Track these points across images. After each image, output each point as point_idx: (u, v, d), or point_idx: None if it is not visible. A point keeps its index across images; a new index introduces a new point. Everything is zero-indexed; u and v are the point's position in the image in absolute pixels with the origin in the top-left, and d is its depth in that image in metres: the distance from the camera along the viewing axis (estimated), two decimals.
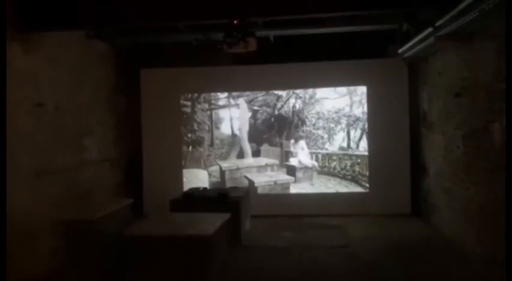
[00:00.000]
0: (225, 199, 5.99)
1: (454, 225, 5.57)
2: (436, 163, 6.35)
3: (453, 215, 5.63)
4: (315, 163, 7.63)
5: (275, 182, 7.56)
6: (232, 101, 7.83)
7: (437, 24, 4.48)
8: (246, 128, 7.78)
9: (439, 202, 6.25)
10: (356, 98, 7.55)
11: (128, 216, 5.64)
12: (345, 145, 7.65)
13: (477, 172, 4.72)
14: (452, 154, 5.58)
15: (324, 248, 5.65)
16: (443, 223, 6.07)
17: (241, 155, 7.77)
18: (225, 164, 7.70)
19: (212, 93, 7.90)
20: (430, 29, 4.81)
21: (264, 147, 7.71)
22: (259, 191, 7.55)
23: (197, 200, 6.04)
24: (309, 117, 7.65)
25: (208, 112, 7.83)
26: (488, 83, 4.36)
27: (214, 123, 7.77)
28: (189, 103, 7.75)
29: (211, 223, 4.95)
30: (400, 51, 6.21)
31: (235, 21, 4.34)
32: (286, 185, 7.59)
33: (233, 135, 7.82)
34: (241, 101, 7.81)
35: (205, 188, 6.81)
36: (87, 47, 6.43)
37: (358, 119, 7.55)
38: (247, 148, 7.76)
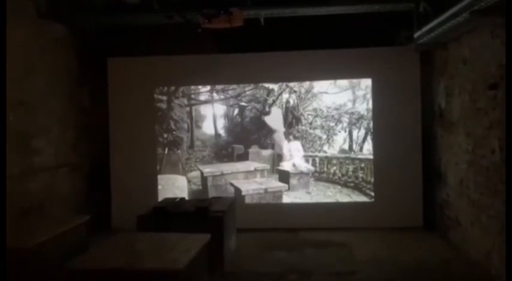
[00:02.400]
0: (204, 213, 5.05)
1: (484, 246, 4.66)
2: (457, 170, 5.45)
3: (483, 234, 4.71)
4: (312, 168, 7.01)
5: (265, 190, 6.94)
6: (215, 96, 7.15)
7: None
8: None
9: (461, 216, 5.35)
10: (360, 93, 6.94)
11: (81, 238, 4.56)
12: (346, 146, 7.09)
13: None
14: (484, 159, 4.64)
15: (327, 275, 4.74)
16: (467, 242, 5.17)
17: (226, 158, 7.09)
18: (207, 169, 7.02)
19: (192, 87, 7.24)
20: (465, 2, 3.85)
21: (253, 149, 7.09)
22: (247, 200, 6.91)
23: (171, 215, 5.07)
24: (305, 114, 7.05)
25: (188, 108, 7.16)
26: None
27: (194, 122, 7.14)
28: (164, 98, 7.10)
29: (185, 248, 3.90)
30: (416, 35, 5.36)
31: None
32: (279, 194, 6.97)
33: (217, 135, 7.14)
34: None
35: (182, 199, 5.86)
36: (40, 28, 5.53)
37: (361, 117, 6.94)
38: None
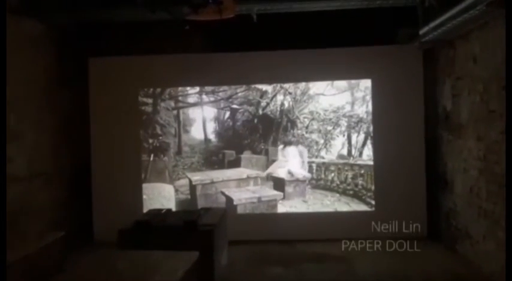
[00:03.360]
0: (193, 228, 4.65)
1: (499, 260, 4.25)
2: (466, 177, 5.09)
3: (497, 247, 4.34)
4: (308, 175, 6.68)
5: (259, 199, 6.63)
6: (205, 98, 6.81)
7: None
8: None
9: (471, 228, 5.00)
10: (359, 94, 6.64)
11: (55, 258, 4.09)
12: (345, 152, 6.77)
13: None
14: (497, 166, 4.29)
15: None
16: (479, 255, 4.82)
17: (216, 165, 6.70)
18: (196, 177, 6.67)
19: (179, 88, 6.90)
20: None
21: (245, 155, 6.78)
22: (240, 210, 6.58)
23: (155, 230, 4.65)
24: (301, 118, 6.75)
25: (175, 112, 6.82)
26: None
27: (182, 126, 6.82)
28: (150, 100, 6.76)
29: (171, 269, 3.49)
30: (421, 32, 5.03)
31: None
32: (273, 203, 6.66)
33: (206, 140, 6.78)
34: None
35: (168, 211, 5.42)
36: (14, 25, 5.13)
37: (361, 120, 6.64)
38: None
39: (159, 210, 5.43)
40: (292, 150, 6.66)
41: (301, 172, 6.63)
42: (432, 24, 4.65)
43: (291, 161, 6.67)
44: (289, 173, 6.61)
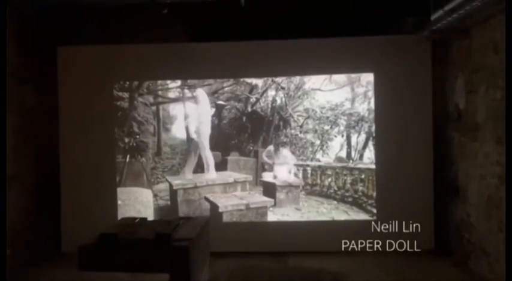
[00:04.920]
0: (165, 242, 4.05)
1: None
2: (483, 185, 4.60)
3: None
4: (299, 180, 6.42)
5: (247, 206, 6.29)
6: (187, 93, 6.50)
7: None
8: (207, 130, 6.44)
9: (488, 243, 4.49)
10: (360, 90, 6.35)
11: None
12: (344, 154, 6.53)
13: None
14: None
15: None
16: (498, 274, 4.28)
17: (200, 168, 6.47)
18: (177, 181, 6.35)
19: (159, 82, 6.58)
20: None
21: (232, 157, 6.52)
22: (225, 218, 6.24)
23: (122, 245, 4.06)
24: (295, 116, 6.49)
25: (154, 108, 6.50)
26: None
27: (162, 124, 6.54)
28: (126, 95, 6.42)
29: None
30: (433, 17, 4.56)
31: None
32: (263, 210, 6.34)
33: (189, 140, 6.47)
34: (201, 92, 6.43)
35: (143, 220, 4.88)
36: None
37: (362, 119, 6.36)
38: (210, 158, 6.38)
39: (133, 218, 4.93)
40: (284, 152, 6.40)
41: (294, 177, 6.32)
42: (447, 7, 4.10)
43: (282, 165, 6.39)
44: (280, 177, 6.31)
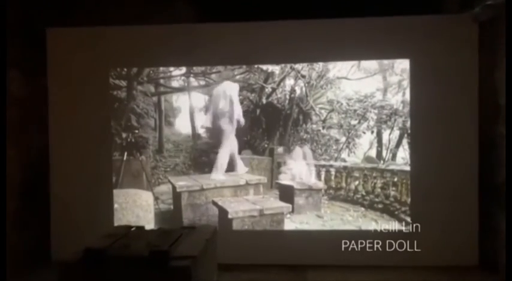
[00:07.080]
0: (162, 262, 3.49)
1: None
2: None
3: None
4: (320, 183, 6.07)
5: (261, 212, 5.88)
6: (193, 81, 6.11)
7: None
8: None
9: None
10: (393, 79, 5.85)
11: None
12: (373, 153, 6.09)
13: None
14: None
15: None
16: None
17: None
18: (181, 183, 5.97)
19: (161, 69, 6.17)
20: None
21: (245, 155, 6.15)
22: (236, 226, 5.84)
23: (109, 263, 3.56)
24: (317, 109, 6.03)
25: (155, 98, 6.14)
26: None
27: (164, 117, 6.18)
28: (124, 83, 6.03)
29: None
30: None
31: None
32: (279, 218, 5.91)
33: (194, 135, 6.14)
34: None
35: (139, 229, 4.39)
36: None
37: (395, 112, 5.87)
38: (224, 158, 6.07)
39: (129, 227, 4.38)
40: (304, 150, 5.99)
41: (316, 179, 5.88)
42: None
43: (302, 165, 5.94)
44: (300, 179, 5.89)
